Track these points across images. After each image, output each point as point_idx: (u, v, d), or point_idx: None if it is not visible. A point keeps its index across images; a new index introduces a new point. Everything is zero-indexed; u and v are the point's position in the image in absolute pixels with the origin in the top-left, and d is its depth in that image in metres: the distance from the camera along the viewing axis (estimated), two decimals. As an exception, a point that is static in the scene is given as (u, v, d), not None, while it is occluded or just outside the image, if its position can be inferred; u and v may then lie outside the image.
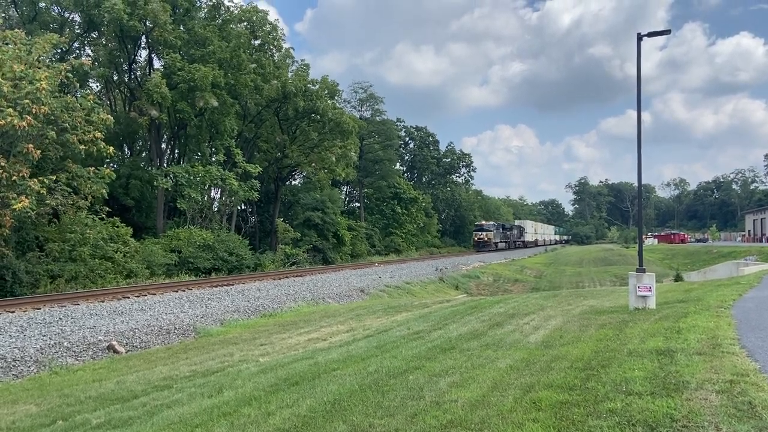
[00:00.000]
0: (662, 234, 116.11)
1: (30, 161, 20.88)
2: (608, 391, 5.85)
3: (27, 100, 20.16)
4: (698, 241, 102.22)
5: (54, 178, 22.08)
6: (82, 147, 22.63)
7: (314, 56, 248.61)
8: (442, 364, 8.18)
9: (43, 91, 20.52)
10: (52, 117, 21.41)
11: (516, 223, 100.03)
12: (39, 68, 21.79)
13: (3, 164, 19.94)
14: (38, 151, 20.93)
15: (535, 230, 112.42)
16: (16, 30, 23.39)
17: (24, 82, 20.68)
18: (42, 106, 20.41)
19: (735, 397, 5.31)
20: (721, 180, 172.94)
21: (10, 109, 19.69)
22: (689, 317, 10.02)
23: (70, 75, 22.95)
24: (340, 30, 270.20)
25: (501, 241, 77.86)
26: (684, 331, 8.60)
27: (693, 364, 6.54)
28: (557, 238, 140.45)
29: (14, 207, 19.61)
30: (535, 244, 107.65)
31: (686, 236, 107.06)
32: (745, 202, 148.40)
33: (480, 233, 73.11)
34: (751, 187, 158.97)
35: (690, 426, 4.75)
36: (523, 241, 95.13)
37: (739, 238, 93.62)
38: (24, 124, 19.66)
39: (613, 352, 7.77)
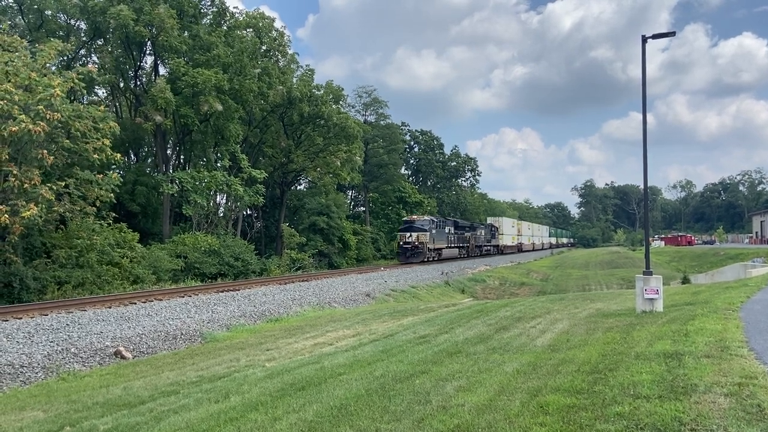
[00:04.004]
0: (669, 236, 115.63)
1: (43, 167, 21.12)
2: (616, 395, 5.81)
3: (41, 106, 20.34)
4: (705, 243, 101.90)
5: (63, 185, 22.25)
6: (96, 156, 22.85)
7: (316, 61, 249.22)
8: (448, 368, 8.16)
9: (58, 98, 20.75)
10: (59, 124, 21.59)
11: (489, 221, 76.95)
12: (44, 75, 21.98)
13: (15, 172, 20.12)
14: (51, 157, 21.13)
15: (519, 231, 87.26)
16: (16, 36, 23.58)
17: (39, 88, 20.87)
18: (55, 113, 20.60)
19: (744, 400, 5.28)
20: (728, 182, 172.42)
21: (23, 116, 19.86)
22: (697, 320, 9.96)
23: (79, 82, 23.13)
24: (341, 35, 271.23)
25: (449, 246, 52.97)
26: (692, 334, 8.55)
27: (701, 367, 6.50)
28: (553, 241, 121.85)
29: (23, 214, 19.75)
30: (519, 249, 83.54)
31: (693, 238, 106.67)
32: (752, 204, 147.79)
33: (407, 234, 46.08)
34: (758, 189, 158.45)
35: (699, 429, 4.72)
36: (497, 246, 72.12)
37: (747, 240, 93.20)
38: (39, 129, 19.85)
39: (620, 356, 7.73)
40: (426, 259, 46.48)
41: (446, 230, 52.89)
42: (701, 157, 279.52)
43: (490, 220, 78.48)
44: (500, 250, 73.28)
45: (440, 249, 50.34)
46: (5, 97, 19.74)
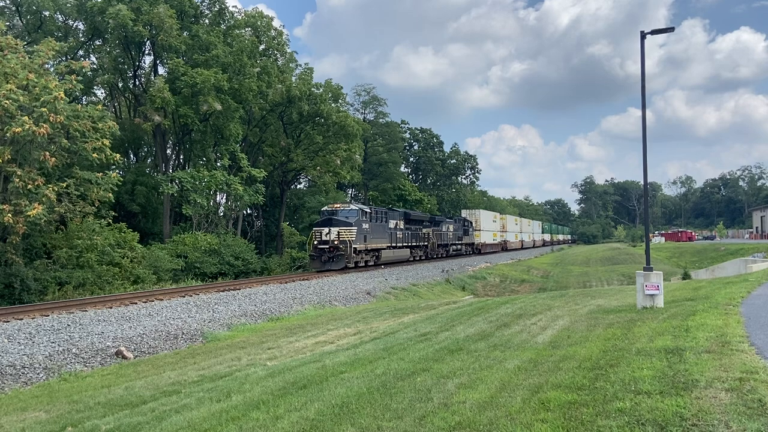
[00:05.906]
0: (669, 232, 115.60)
1: (45, 168, 21.16)
2: (617, 391, 5.82)
3: (44, 109, 20.38)
4: (705, 238, 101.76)
5: (64, 185, 22.27)
6: (95, 155, 22.87)
7: (314, 60, 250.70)
8: (449, 365, 8.16)
9: (61, 101, 20.81)
10: (59, 125, 21.63)
11: (463, 214, 62.63)
12: (42, 75, 21.98)
13: (19, 173, 20.16)
14: (53, 159, 21.17)
15: (503, 226, 74.83)
16: (9, 37, 23.55)
17: (36, 89, 20.89)
18: (58, 116, 20.65)
19: (745, 395, 5.28)
20: (728, 177, 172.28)
21: (26, 117, 19.89)
22: (698, 315, 9.97)
23: (76, 82, 23.13)
24: (338, 33, 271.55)
25: (393, 246, 38.70)
26: (692, 330, 8.56)
27: (702, 363, 6.50)
28: (547, 237, 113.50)
29: (28, 213, 19.79)
30: (503, 247, 71.72)
31: (693, 234, 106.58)
32: (752, 199, 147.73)
33: (324, 230, 31.67)
34: (758, 184, 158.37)
35: (700, 424, 4.72)
36: (472, 245, 59.39)
37: (747, 236, 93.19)
38: (42, 131, 19.90)
39: (621, 352, 7.73)
40: (350, 264, 32.73)
41: (389, 224, 38.38)
42: (701, 152, 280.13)
43: (464, 213, 65.01)
44: (477, 250, 60.53)
45: (377, 250, 36.41)
46: (11, 97, 19.78)
